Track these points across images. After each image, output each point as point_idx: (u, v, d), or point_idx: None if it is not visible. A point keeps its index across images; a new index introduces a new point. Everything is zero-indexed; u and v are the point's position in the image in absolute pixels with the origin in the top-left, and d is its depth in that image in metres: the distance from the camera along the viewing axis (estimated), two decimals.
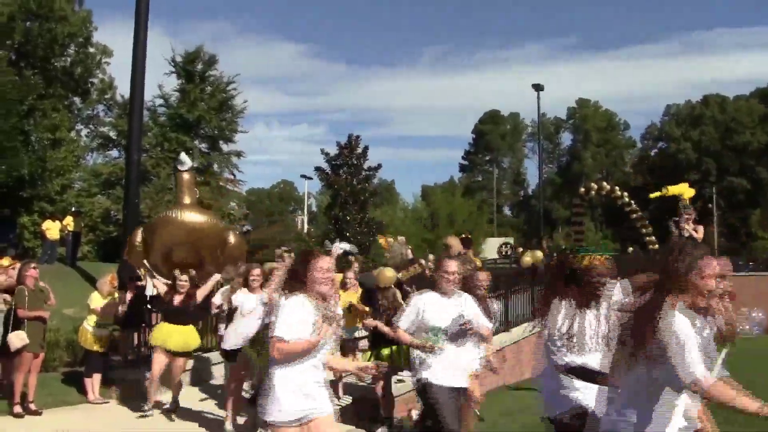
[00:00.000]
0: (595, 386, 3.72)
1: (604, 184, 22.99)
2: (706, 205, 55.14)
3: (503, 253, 31.52)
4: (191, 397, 8.77)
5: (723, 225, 57.25)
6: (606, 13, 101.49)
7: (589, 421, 3.71)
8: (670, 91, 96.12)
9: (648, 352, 3.02)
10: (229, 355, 7.55)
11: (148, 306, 9.35)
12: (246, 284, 7.41)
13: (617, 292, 3.96)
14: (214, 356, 9.91)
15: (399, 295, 7.73)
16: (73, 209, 21.65)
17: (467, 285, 5.58)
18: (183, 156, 9.34)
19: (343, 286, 8.46)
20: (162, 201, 25.60)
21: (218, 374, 9.96)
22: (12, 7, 28.77)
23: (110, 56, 34.79)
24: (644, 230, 25.26)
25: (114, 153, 34.89)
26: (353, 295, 8.31)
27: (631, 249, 29.78)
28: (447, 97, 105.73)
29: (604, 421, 3.33)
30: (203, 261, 8.60)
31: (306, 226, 50.74)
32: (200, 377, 9.96)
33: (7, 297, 8.17)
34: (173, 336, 7.91)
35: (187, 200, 8.76)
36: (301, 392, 3.90)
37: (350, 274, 8.83)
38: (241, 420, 7.35)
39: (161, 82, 33.09)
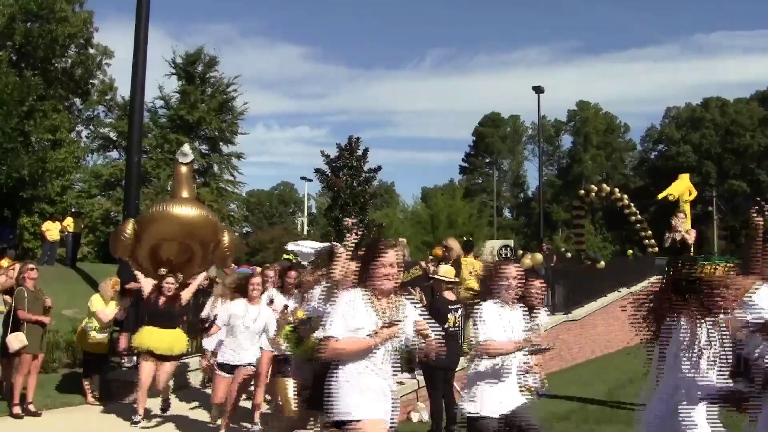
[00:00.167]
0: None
1: (604, 186, 22.99)
2: (706, 208, 55.17)
3: (503, 257, 31.49)
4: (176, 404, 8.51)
5: (723, 228, 57.22)
6: (607, 16, 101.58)
7: None
8: (670, 93, 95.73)
9: None
10: (226, 369, 7.00)
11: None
12: (245, 293, 7.01)
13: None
14: (194, 361, 9.64)
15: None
16: (73, 210, 21.64)
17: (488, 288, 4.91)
18: (186, 147, 9.06)
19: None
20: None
21: (197, 379, 9.80)
22: (13, 8, 28.79)
23: (111, 57, 34.88)
24: (643, 233, 25.28)
25: (114, 154, 35.07)
26: None
27: (630, 252, 29.81)
28: (447, 99, 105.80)
29: None
30: (193, 258, 8.35)
31: (306, 228, 50.74)
32: (181, 382, 9.57)
33: (7, 298, 8.17)
34: (160, 339, 7.63)
35: (185, 194, 8.49)
36: (366, 392, 3.70)
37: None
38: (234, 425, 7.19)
39: (162, 84, 33.22)
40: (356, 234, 5.45)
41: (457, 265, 8.26)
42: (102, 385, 8.96)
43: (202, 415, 8.10)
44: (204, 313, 8.58)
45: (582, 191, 26.30)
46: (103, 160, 36.00)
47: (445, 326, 6.64)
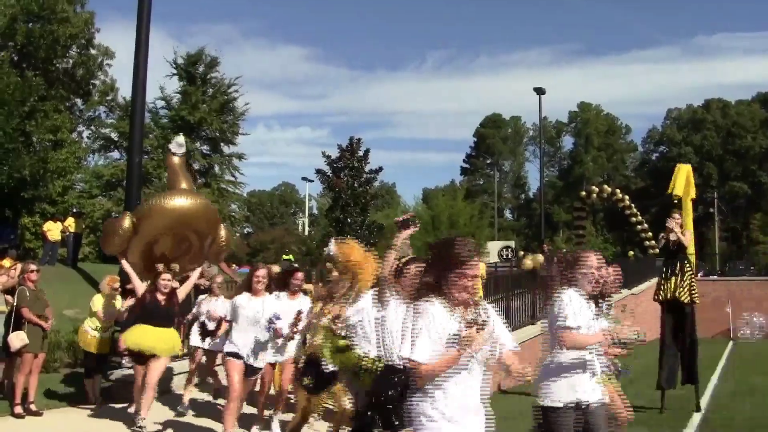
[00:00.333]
0: None
1: (606, 187, 23.02)
2: (707, 210, 55.14)
3: (504, 257, 31.53)
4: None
5: (724, 229, 57.20)
6: (607, 18, 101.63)
7: None
8: (671, 95, 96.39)
9: None
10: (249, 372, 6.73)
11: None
12: (249, 288, 6.74)
13: None
14: (179, 365, 9.39)
15: None
16: (74, 210, 21.65)
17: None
18: (180, 138, 8.99)
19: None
20: None
21: (180, 384, 9.33)
22: (14, 8, 28.81)
23: (112, 58, 34.90)
24: (644, 234, 25.29)
25: (115, 155, 35.09)
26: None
27: (631, 253, 29.84)
28: (448, 100, 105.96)
29: None
30: (189, 251, 8.22)
31: (307, 229, 50.79)
32: (163, 387, 8.88)
33: (9, 298, 8.19)
34: (157, 339, 7.34)
35: (184, 184, 8.38)
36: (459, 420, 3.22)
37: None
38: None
39: (163, 84, 33.23)
40: (413, 229, 4.78)
41: None
42: (103, 385, 8.96)
43: (189, 420, 7.99)
44: (191, 313, 8.57)
45: (583, 192, 26.36)
46: (105, 160, 36.05)
47: None
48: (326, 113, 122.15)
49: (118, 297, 8.77)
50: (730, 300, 27.33)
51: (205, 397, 8.97)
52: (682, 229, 9.22)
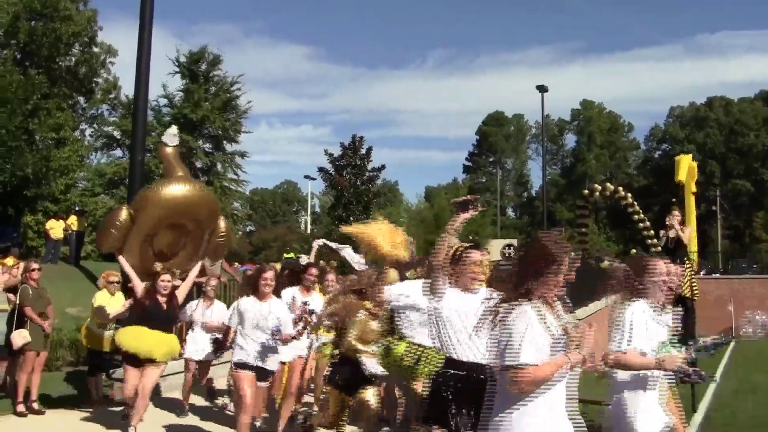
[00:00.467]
0: None
1: (609, 185, 22.97)
2: (710, 208, 55.04)
3: (506, 255, 31.49)
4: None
5: (727, 227, 57.09)
6: (609, 17, 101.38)
7: None
8: (674, 93, 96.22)
9: None
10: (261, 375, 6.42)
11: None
12: (254, 290, 6.38)
13: None
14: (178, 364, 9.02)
15: None
16: (77, 208, 21.65)
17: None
18: (174, 129, 8.98)
19: (325, 290, 7.69)
20: None
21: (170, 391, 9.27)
22: (17, 6, 28.84)
23: (115, 56, 34.96)
24: (647, 233, 25.22)
25: (118, 153, 35.06)
26: None
27: (634, 251, 29.80)
28: (450, 98, 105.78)
29: None
30: (188, 244, 8.11)
31: (309, 227, 50.80)
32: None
33: (11, 296, 8.21)
34: (153, 343, 6.94)
35: (180, 173, 8.31)
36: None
37: (330, 277, 7.97)
38: None
39: (165, 82, 33.22)
40: (473, 212, 4.27)
41: None
42: (106, 383, 8.96)
43: (188, 422, 7.98)
44: (185, 316, 8.39)
45: (586, 190, 26.26)
46: (107, 158, 36.05)
47: None
48: (328, 111, 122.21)
49: (119, 293, 8.68)
50: (732, 298, 27.28)
51: (201, 401, 8.89)
52: (682, 225, 9.20)
